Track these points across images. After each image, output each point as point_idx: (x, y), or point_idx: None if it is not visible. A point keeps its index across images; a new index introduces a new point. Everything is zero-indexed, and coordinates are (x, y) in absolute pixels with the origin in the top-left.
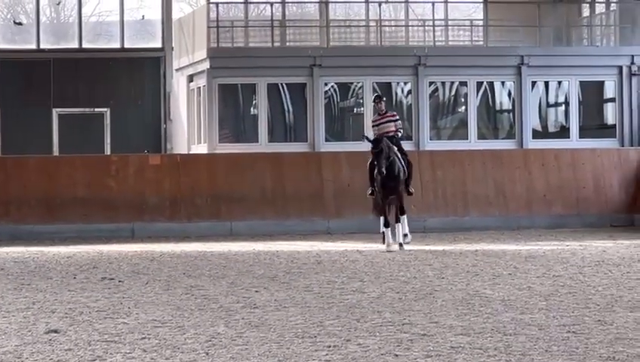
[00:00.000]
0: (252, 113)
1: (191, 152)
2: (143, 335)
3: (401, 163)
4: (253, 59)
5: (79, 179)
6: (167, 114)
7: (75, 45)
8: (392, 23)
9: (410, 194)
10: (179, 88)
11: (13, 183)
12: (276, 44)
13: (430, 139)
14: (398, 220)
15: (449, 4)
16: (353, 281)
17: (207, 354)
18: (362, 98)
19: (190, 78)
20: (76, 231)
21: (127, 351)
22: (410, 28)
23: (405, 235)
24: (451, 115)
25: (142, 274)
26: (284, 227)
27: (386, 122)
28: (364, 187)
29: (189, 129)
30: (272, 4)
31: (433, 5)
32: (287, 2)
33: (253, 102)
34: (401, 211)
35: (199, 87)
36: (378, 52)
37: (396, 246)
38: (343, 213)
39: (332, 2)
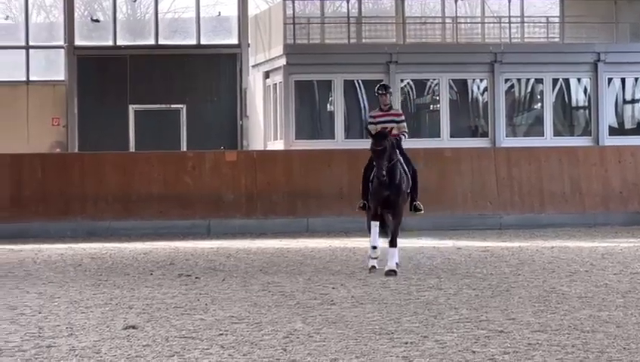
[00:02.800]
0: (328, 110)
1: (267, 149)
2: (221, 332)
3: (404, 169)
4: (330, 55)
5: (155, 175)
6: (244, 110)
7: (151, 42)
8: (468, 20)
9: (417, 210)
10: (255, 85)
11: (89, 180)
12: (352, 41)
13: (506, 136)
14: (395, 247)
15: (525, 0)
16: (430, 278)
17: (285, 350)
18: (438, 95)
19: (266, 75)
20: (152, 228)
21: (205, 347)
22: (486, 25)
23: (392, 270)
24: (527, 112)
25: (218, 270)
26: (360, 224)
27: (388, 121)
28: (439, 184)
29: (266, 125)
30: (348, 0)
31: (509, 2)
32: None
33: (330, 98)
34: (392, 243)
35: (275, 84)
36: (454, 49)
37: (377, 253)
38: None
39: None
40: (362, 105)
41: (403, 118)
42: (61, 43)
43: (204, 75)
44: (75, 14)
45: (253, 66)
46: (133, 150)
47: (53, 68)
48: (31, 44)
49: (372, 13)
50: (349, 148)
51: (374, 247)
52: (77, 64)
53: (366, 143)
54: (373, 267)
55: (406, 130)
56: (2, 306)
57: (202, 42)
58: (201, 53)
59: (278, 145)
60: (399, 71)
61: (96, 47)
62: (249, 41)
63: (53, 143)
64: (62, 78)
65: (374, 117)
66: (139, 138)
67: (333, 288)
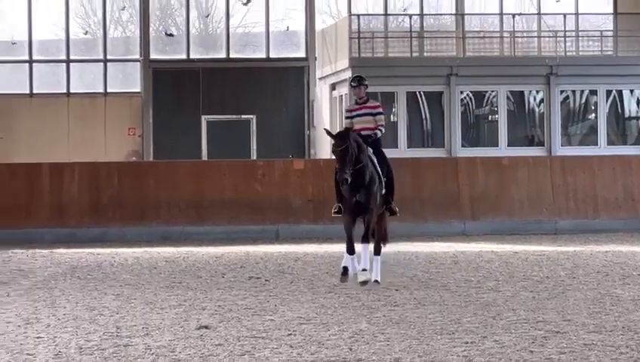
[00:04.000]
0: (392, 120)
1: (333, 157)
2: (289, 332)
3: (377, 170)
4: (393, 68)
5: (227, 182)
6: (311, 120)
7: (222, 55)
8: (525, 34)
9: (393, 213)
10: (322, 96)
11: (164, 187)
12: (414, 54)
13: (561, 145)
14: (368, 242)
15: (580, 15)
16: (488, 280)
17: (351, 349)
18: (496, 106)
19: (333, 87)
20: (224, 233)
21: (275, 347)
22: (542, 38)
23: (376, 281)
24: (581, 122)
25: (287, 273)
26: (422, 228)
27: (364, 114)
28: (497, 191)
29: None
30: (410, 16)
31: (564, 17)
32: (425, 14)
33: (393, 109)
34: (376, 250)
35: (341, 95)
36: (511, 62)
37: (346, 279)
38: (478, 215)
39: (468, 14)
40: (424, 116)
41: (380, 110)
42: (137, 57)
43: (273, 87)
44: (150, 29)
45: (320, 79)
46: (206, 158)
47: (129, 80)
48: (109, 57)
49: (433, 28)
50: (411, 157)
51: (344, 273)
52: (152, 76)
53: (427, 152)
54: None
55: (383, 124)
56: (82, 307)
57: (271, 56)
58: (271, 66)
59: None
60: (459, 83)
61: (171, 60)
62: (316, 55)
63: (129, 152)
64: (138, 89)
65: (350, 111)
66: (211, 147)
67: (396, 290)
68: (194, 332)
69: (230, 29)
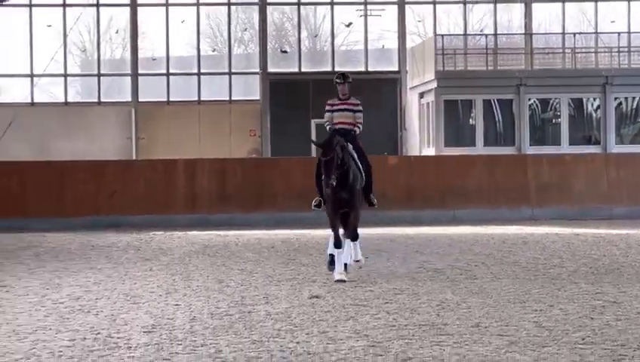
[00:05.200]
0: (470, 123)
1: (422, 154)
2: (386, 301)
3: (358, 167)
4: (471, 79)
5: None
6: (403, 124)
7: (328, 69)
8: (584, 50)
9: (372, 205)
10: (412, 103)
11: (279, 179)
12: (490, 68)
13: (615, 144)
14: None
15: (632, 33)
16: (553, 258)
17: (438, 315)
18: (559, 111)
19: (421, 95)
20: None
21: (374, 313)
22: (598, 54)
23: (358, 261)
24: (633, 125)
25: (383, 251)
26: (496, 214)
27: (345, 110)
28: (561, 183)
29: (420, 136)
30: (486, 35)
31: (619, 35)
32: (499, 34)
33: (472, 114)
34: (354, 236)
35: (428, 103)
36: (572, 73)
37: (344, 276)
38: (544, 203)
39: (535, 34)
40: (497, 119)
41: (360, 108)
42: (257, 70)
43: (371, 95)
44: (268, 47)
45: (410, 88)
46: (315, 156)
47: (250, 90)
48: (233, 71)
49: (505, 45)
50: (487, 154)
51: (341, 280)
52: (269, 87)
53: (500, 150)
54: (340, 273)
55: (361, 122)
56: (212, 280)
57: (369, 69)
58: (369, 78)
59: (430, 151)
60: (527, 92)
61: (285, 73)
62: (407, 69)
63: (250, 150)
64: (257, 98)
65: (332, 105)
66: None
67: (475, 266)
68: (306, 300)
69: (335, 47)
